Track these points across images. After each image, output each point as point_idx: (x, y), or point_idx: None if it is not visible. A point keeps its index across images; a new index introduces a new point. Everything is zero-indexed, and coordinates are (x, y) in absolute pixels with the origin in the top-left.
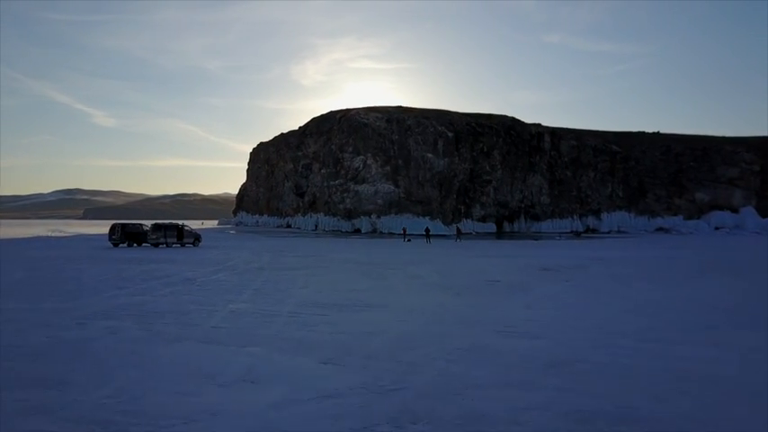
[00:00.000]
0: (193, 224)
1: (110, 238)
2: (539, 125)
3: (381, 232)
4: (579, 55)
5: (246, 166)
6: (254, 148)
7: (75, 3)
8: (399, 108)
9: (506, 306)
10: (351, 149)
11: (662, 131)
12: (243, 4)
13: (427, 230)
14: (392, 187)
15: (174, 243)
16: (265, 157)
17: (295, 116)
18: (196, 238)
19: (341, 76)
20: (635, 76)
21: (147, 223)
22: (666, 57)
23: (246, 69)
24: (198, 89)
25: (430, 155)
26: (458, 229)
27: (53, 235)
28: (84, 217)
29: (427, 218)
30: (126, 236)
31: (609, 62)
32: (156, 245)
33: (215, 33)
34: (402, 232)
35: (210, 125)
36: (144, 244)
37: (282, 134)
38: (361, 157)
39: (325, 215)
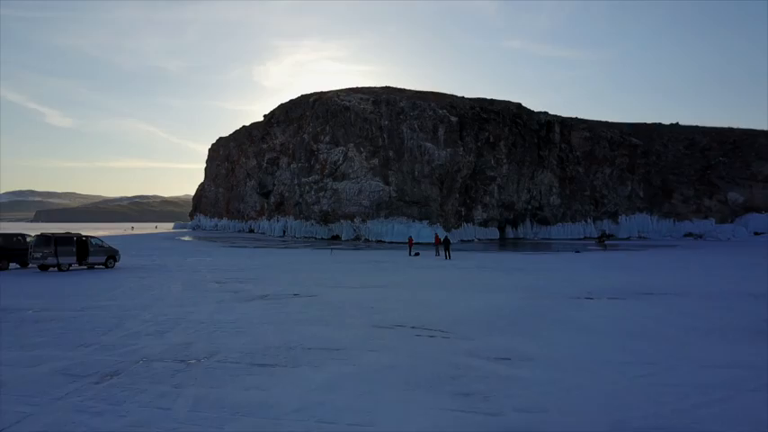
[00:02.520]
0: (148, 227)
1: None
2: (546, 113)
3: (367, 239)
4: (541, 59)
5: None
6: (212, 144)
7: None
8: (388, 89)
9: None
10: (328, 139)
11: (682, 123)
12: (202, 3)
13: (446, 241)
14: (381, 184)
15: (71, 264)
16: (225, 154)
17: (257, 117)
18: (110, 255)
19: (304, 78)
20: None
21: (44, 233)
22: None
23: (207, 70)
24: (157, 89)
25: (429, 144)
26: (438, 239)
27: None
28: (35, 219)
29: (425, 222)
30: None
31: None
32: (43, 267)
33: (174, 33)
34: (408, 243)
35: (170, 126)
36: (31, 265)
37: (245, 127)
38: (341, 148)
39: (296, 219)
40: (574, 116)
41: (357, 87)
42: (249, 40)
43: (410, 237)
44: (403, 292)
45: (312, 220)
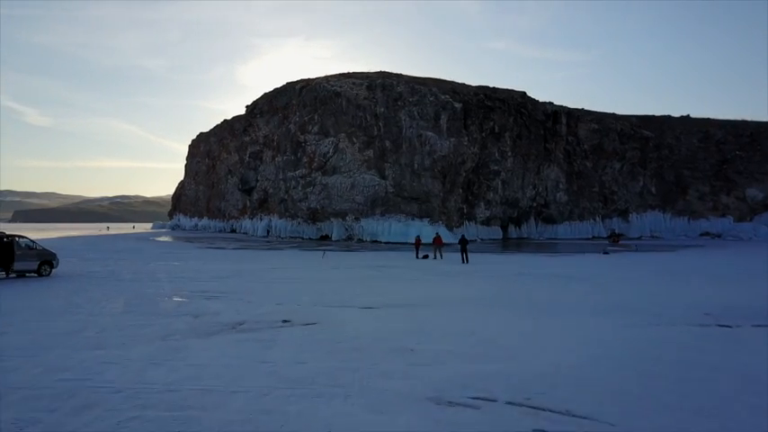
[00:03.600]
0: (125, 227)
1: None
2: (552, 104)
3: (360, 239)
4: (522, 60)
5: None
6: (192, 140)
7: None
8: (383, 74)
9: None
10: (316, 129)
11: (693, 115)
12: (183, 3)
13: (464, 241)
14: (376, 178)
15: None
16: (206, 150)
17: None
18: (45, 260)
19: (287, 78)
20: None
21: None
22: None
23: (189, 69)
24: (138, 88)
25: (430, 133)
26: (439, 239)
27: None
28: (13, 220)
29: (425, 220)
30: None
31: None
32: None
33: (155, 32)
34: (414, 243)
35: (152, 125)
36: None
37: (226, 120)
38: (331, 138)
39: (281, 217)
40: (580, 107)
41: (348, 72)
42: (231, 39)
43: (418, 236)
44: (444, 317)
45: (299, 219)
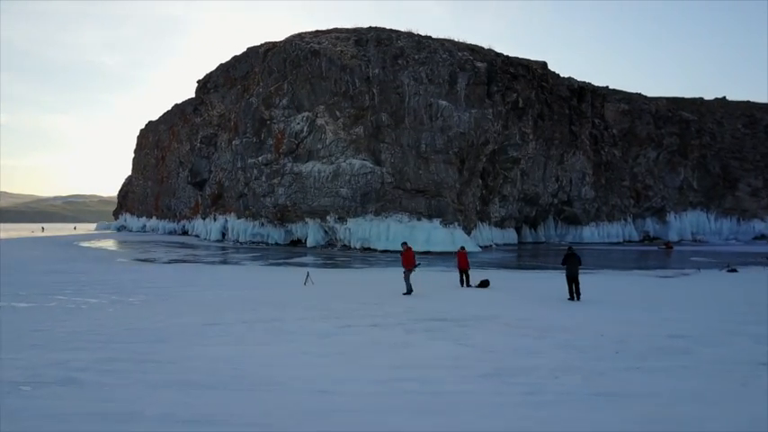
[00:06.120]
0: (68, 228)
1: None
2: (574, 79)
3: (346, 246)
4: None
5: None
6: (141, 130)
7: None
8: (376, 28)
9: None
10: (286, 101)
11: (730, 98)
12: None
13: (573, 259)
14: (369, 165)
15: None
16: (154, 140)
17: None
18: None
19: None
20: None
21: None
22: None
23: (148, 66)
24: (95, 85)
25: (443, 102)
26: (464, 258)
27: None
28: None
29: (437, 220)
30: None
31: None
32: None
33: (114, 27)
34: (402, 259)
35: (110, 122)
36: None
37: (177, 105)
38: (306, 113)
39: (239, 217)
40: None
41: (330, 29)
42: (193, 36)
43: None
44: None
45: (262, 219)
